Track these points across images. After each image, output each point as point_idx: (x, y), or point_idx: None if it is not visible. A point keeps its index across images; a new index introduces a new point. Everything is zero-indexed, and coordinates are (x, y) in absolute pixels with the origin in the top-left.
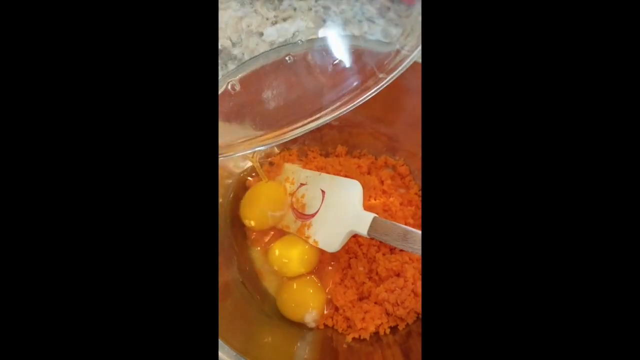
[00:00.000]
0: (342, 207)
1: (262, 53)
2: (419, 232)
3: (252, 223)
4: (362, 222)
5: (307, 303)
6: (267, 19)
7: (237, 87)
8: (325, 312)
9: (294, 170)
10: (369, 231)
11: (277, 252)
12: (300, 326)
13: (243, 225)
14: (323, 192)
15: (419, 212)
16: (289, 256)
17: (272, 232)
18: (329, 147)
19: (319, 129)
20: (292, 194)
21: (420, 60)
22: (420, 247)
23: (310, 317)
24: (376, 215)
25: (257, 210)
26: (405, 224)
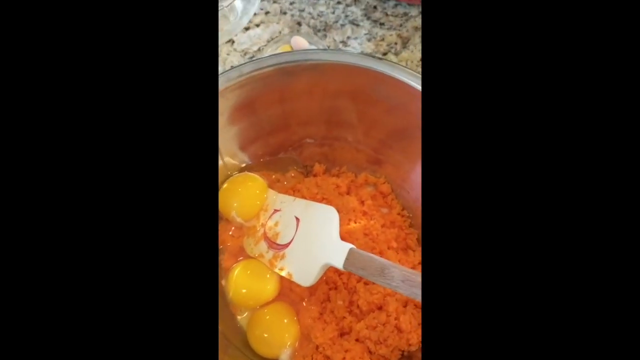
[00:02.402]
0: (317, 237)
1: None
2: (398, 266)
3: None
4: (337, 253)
5: (280, 339)
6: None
7: None
8: (299, 347)
9: (268, 195)
10: (344, 264)
11: (232, 282)
12: None
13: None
14: (297, 219)
15: (402, 234)
16: (247, 286)
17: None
18: (308, 163)
19: (299, 144)
20: (263, 224)
21: (400, 77)
22: (398, 284)
23: (285, 355)
24: (353, 246)
25: (229, 201)
26: (388, 248)
